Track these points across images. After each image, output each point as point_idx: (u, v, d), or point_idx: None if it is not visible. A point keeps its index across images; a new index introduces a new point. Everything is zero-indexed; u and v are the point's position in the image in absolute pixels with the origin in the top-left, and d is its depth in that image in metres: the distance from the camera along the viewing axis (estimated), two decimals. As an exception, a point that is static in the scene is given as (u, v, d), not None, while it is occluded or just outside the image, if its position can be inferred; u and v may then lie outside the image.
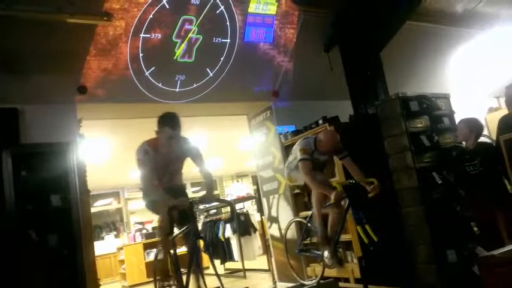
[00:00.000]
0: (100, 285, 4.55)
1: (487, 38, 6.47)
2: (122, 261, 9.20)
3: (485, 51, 6.71)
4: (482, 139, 4.17)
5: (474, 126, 4.02)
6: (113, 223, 11.66)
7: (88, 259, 4.11)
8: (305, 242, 4.46)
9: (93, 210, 9.34)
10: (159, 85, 4.78)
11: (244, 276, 6.91)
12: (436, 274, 3.92)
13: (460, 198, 4.12)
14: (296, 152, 3.92)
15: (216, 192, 12.15)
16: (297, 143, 4.02)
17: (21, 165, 3.93)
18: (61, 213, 3.95)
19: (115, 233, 11.16)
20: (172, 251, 3.49)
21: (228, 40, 4.99)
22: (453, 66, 6.75)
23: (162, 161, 3.34)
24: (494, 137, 4.40)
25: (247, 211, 8.00)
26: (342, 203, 3.83)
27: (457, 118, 4.55)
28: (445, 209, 4.05)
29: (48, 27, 4.06)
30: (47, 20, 4.02)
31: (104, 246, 10.13)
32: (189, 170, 3.65)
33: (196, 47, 4.82)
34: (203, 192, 3.53)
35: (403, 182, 4.18)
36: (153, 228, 9.36)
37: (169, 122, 3.24)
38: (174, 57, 4.75)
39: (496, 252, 2.84)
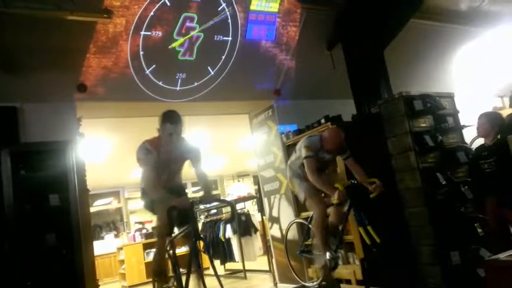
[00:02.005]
0: (99, 285, 4.51)
1: (491, 37, 6.41)
2: (122, 261, 9.15)
3: (490, 50, 6.66)
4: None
5: (496, 121, 3.83)
6: (113, 223, 11.61)
7: (87, 259, 4.07)
8: (306, 243, 4.42)
9: (93, 209, 9.37)
10: (160, 83, 4.74)
11: (245, 277, 6.87)
12: (439, 276, 3.87)
13: (464, 199, 4.06)
14: (301, 150, 3.85)
15: (216, 192, 12.11)
16: (301, 141, 3.96)
17: (19, 164, 3.90)
18: (60, 213, 3.91)
19: (115, 232, 11.10)
20: (171, 252, 3.44)
21: (230, 38, 4.94)
22: (457, 65, 6.70)
23: (163, 160, 3.30)
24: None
25: (248, 211, 7.96)
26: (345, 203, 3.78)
27: (461, 118, 4.50)
28: (448, 210, 4.00)
29: (47, 24, 4.02)
30: (46, 17, 3.98)
31: (103, 246, 10.07)
32: (189, 170, 3.60)
33: (197, 45, 4.77)
34: (202, 193, 3.49)
35: (406, 183, 4.14)
36: (153, 228, 9.29)
37: (170, 118, 3.25)
38: (174, 54, 4.69)
39: (502, 255, 2.79)
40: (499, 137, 3.80)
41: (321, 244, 3.81)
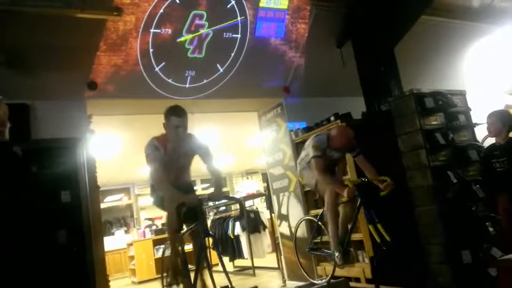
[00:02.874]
0: (109, 281, 4.55)
1: (503, 34, 6.33)
2: (132, 257, 9.23)
3: (502, 47, 6.57)
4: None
5: (507, 119, 3.79)
6: (123, 219, 11.73)
7: (97, 255, 4.10)
8: (315, 240, 4.40)
9: (103, 205, 9.45)
10: (169, 81, 4.75)
11: (254, 274, 6.88)
12: (449, 275, 3.84)
13: (475, 198, 4.02)
14: (308, 149, 3.84)
15: (225, 189, 12.13)
16: (309, 140, 3.94)
17: (31, 161, 3.92)
18: (70, 210, 3.93)
19: (125, 228, 11.22)
20: (180, 248, 3.45)
21: (239, 35, 4.93)
22: (469, 62, 6.62)
23: (171, 156, 3.31)
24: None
25: (256, 208, 7.97)
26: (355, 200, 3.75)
27: (473, 115, 4.45)
28: (459, 209, 3.96)
29: (58, 22, 4.05)
30: (56, 15, 4.01)
31: (114, 242, 10.18)
32: (199, 167, 3.61)
33: (206, 42, 4.78)
34: (212, 189, 3.49)
35: (416, 181, 4.10)
36: (163, 224, 9.37)
37: (174, 112, 3.26)
38: (183, 51, 4.70)
39: (514, 254, 2.76)
40: (510, 135, 3.76)
41: (331, 227, 3.78)
